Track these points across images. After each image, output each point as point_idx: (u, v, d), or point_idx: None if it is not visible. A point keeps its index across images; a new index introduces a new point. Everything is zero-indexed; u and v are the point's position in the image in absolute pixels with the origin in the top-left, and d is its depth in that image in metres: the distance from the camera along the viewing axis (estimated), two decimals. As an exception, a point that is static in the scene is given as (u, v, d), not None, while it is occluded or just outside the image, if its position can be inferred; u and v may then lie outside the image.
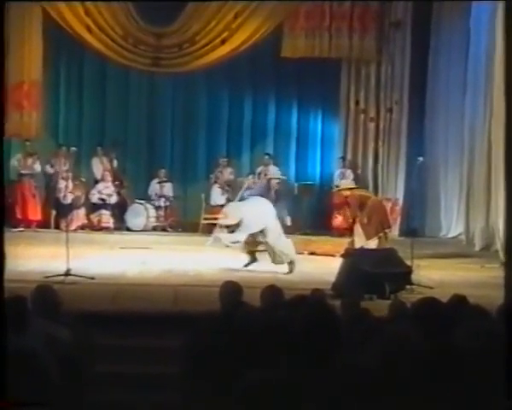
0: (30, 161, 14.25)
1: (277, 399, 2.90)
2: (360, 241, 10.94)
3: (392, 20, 14.69)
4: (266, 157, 14.66)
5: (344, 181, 13.77)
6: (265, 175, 13.01)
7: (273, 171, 13.83)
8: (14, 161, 14.31)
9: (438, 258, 11.65)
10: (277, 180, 12.85)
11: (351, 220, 11.58)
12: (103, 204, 14.48)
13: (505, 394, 3.22)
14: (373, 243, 10.83)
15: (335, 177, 14.77)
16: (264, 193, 12.68)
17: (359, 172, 15.04)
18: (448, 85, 14.63)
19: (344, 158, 14.90)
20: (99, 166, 14.80)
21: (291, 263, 10.21)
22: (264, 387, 2.94)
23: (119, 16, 14.25)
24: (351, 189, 12.19)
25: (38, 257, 10.67)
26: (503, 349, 3.29)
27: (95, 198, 14.53)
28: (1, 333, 3.11)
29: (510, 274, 4.39)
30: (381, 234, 11.08)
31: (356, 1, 14.51)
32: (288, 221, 12.87)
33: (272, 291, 5.31)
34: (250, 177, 13.43)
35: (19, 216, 14.15)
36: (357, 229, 11.26)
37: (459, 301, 4.96)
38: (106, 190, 14.56)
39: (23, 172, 14.23)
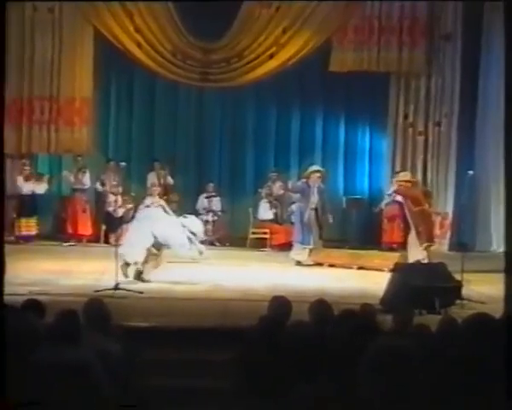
0: (80, 175, 14.45)
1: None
2: (414, 252, 10.88)
3: (441, 33, 14.55)
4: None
5: (402, 173, 13.18)
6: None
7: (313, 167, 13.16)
8: (67, 177, 14.54)
9: (488, 273, 11.45)
10: (318, 174, 12.68)
11: (416, 209, 11.30)
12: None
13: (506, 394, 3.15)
14: (423, 255, 10.80)
15: (392, 191, 14.36)
16: (303, 191, 12.54)
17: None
18: (499, 98, 14.38)
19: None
20: (155, 181, 14.92)
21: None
22: (313, 402, 2.92)
23: (168, 32, 14.38)
24: (411, 182, 12.05)
25: (88, 271, 10.78)
26: (504, 350, 3.23)
27: (143, 213, 14.62)
28: (1, 335, 3.16)
29: (510, 278, 4.32)
30: (431, 243, 11.07)
31: (405, 0, 14.34)
32: (330, 219, 12.70)
33: (321, 306, 5.29)
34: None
35: (70, 231, 14.33)
36: (412, 238, 11.20)
37: (512, 317, 4.87)
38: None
39: (74, 187, 14.44)
